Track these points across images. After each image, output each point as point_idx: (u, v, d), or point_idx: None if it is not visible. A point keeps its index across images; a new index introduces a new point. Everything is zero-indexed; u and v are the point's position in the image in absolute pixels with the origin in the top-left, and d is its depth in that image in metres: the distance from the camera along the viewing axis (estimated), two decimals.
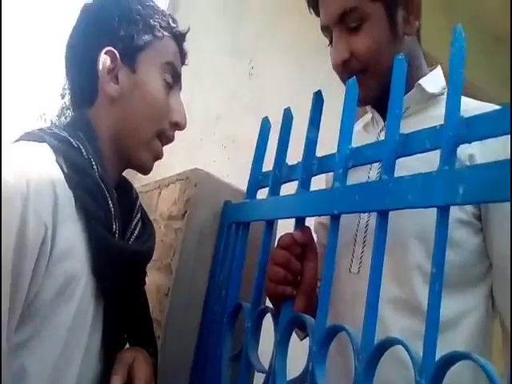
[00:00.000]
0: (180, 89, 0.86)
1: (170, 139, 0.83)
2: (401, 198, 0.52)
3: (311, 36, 2.16)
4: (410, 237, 0.78)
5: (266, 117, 0.90)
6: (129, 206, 0.81)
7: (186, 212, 0.98)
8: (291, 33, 2.18)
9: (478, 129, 0.47)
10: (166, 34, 0.82)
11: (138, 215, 0.82)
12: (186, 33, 0.87)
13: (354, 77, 0.67)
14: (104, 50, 0.77)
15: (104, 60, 0.77)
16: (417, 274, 0.77)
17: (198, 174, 0.99)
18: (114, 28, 0.78)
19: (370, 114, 0.98)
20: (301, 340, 0.88)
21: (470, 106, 0.71)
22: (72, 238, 0.66)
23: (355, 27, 0.84)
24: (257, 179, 0.89)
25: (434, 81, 0.88)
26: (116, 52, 0.78)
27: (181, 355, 0.93)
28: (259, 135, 0.90)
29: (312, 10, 0.92)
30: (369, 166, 0.86)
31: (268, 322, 0.77)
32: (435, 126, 0.52)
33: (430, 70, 0.91)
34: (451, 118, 0.49)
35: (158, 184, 1.22)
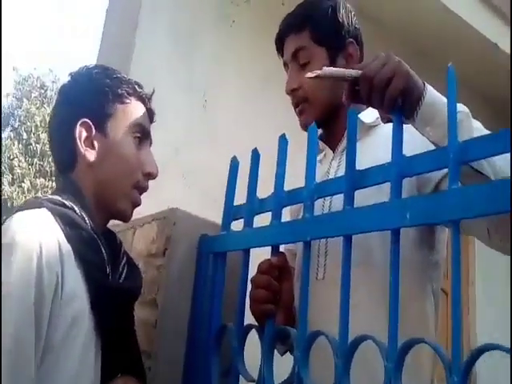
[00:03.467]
0: (150, 143, 0.99)
1: (144, 189, 0.95)
2: (360, 223, 0.65)
3: (260, 67, 2.33)
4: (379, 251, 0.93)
5: (235, 156, 1.01)
6: (115, 251, 0.92)
7: (166, 249, 1.07)
8: (241, 65, 2.34)
9: (417, 166, 0.61)
10: (132, 99, 0.94)
11: (124, 259, 0.93)
12: (152, 95, 1.00)
13: (314, 123, 0.81)
14: (79, 122, 0.89)
15: (80, 131, 0.89)
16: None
17: (175, 212, 1.08)
18: (86, 102, 0.91)
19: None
20: (281, 355, 0.99)
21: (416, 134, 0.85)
22: (75, 282, 0.79)
23: (304, 64, 1.07)
24: (230, 213, 0.99)
25: (369, 114, 1.07)
26: (90, 122, 0.89)
27: (171, 382, 1.01)
28: (229, 173, 1.01)
29: (279, 53, 1.15)
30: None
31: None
32: (384, 164, 0.66)
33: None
34: (396, 159, 0.63)
35: (132, 224, 1.30)
